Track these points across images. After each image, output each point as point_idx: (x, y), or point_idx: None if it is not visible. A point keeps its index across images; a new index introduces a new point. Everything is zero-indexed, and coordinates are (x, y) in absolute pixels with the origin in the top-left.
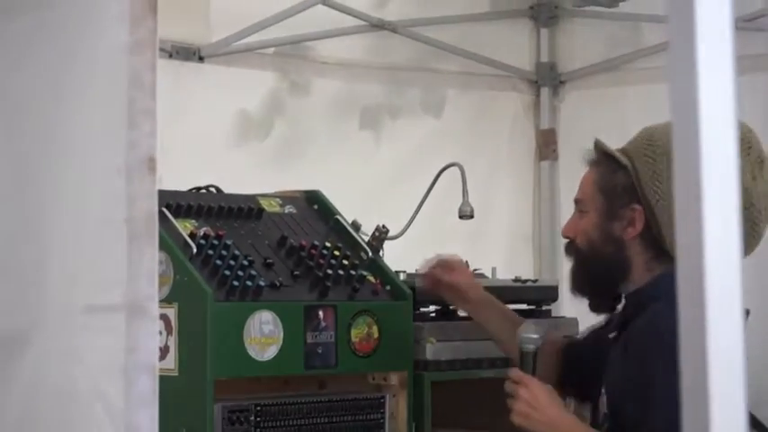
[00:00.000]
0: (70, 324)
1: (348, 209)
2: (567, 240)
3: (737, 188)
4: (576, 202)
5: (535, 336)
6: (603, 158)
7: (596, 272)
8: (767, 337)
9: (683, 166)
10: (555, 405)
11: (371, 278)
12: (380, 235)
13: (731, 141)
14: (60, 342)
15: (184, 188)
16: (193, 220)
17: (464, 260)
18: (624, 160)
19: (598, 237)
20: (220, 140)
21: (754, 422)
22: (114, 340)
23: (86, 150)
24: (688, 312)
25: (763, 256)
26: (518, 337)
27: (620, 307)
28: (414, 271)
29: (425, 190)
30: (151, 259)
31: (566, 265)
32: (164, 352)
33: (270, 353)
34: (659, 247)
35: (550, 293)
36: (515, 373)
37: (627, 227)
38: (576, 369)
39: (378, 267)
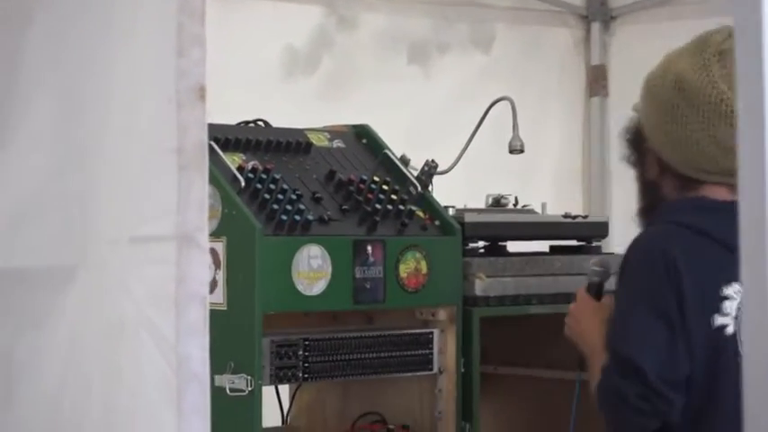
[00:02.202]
0: (119, 255)
1: (397, 144)
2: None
3: None
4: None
5: (601, 269)
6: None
7: (648, 221)
8: None
9: (747, 99)
10: (593, 320)
11: (420, 213)
12: (429, 170)
13: None
14: (109, 274)
15: (232, 123)
16: (242, 154)
17: (514, 196)
18: (635, 109)
19: (642, 188)
20: (268, 75)
21: None
22: (164, 271)
23: (136, 78)
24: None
25: None
26: (587, 268)
27: None
28: (463, 206)
29: (474, 125)
30: (201, 189)
31: (615, 201)
32: (212, 286)
33: (318, 287)
34: (680, 175)
35: (600, 229)
36: (578, 292)
37: (651, 166)
38: None
39: (427, 202)
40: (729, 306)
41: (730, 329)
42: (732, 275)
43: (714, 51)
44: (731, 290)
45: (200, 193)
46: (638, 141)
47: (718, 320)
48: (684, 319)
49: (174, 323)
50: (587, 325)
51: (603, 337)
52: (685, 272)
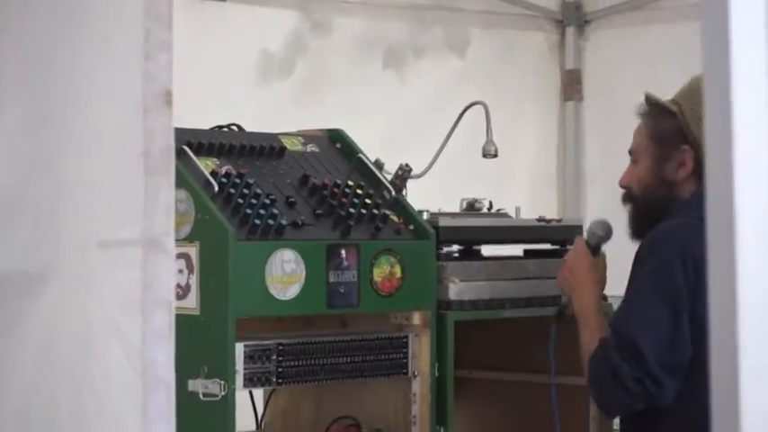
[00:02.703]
0: (87, 260)
1: (371, 148)
2: (624, 191)
3: None
4: (630, 153)
5: (601, 233)
6: (654, 109)
7: (651, 213)
8: None
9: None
10: (588, 278)
11: (394, 217)
12: (403, 174)
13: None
14: (77, 278)
15: (206, 127)
16: (215, 159)
17: (488, 200)
18: (672, 107)
19: (652, 180)
20: (242, 80)
21: None
22: (131, 275)
23: (104, 83)
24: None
25: None
26: (587, 228)
27: None
28: (437, 210)
29: (449, 129)
30: (168, 193)
31: (590, 204)
32: (185, 291)
33: (292, 292)
34: None
35: (574, 233)
36: (576, 240)
37: (678, 168)
38: None
39: (401, 206)
40: None
41: None
42: None
43: None
44: None
45: (167, 198)
46: (674, 141)
47: None
48: (696, 311)
49: (140, 328)
50: (582, 282)
51: (596, 299)
52: (703, 265)
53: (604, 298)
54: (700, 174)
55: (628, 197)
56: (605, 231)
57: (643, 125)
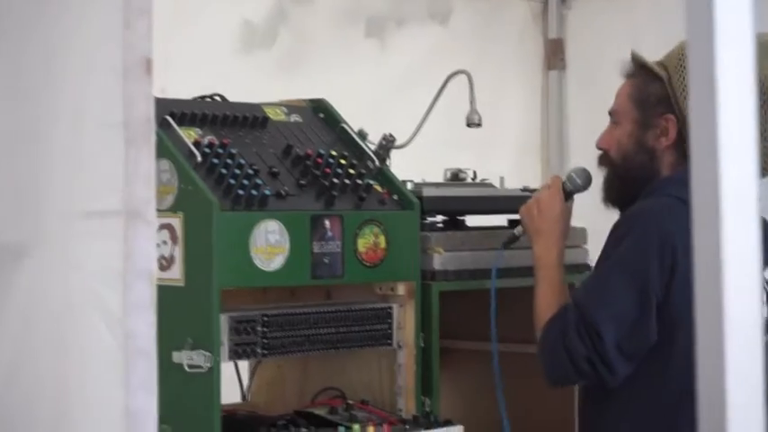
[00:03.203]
0: (67, 231)
1: (354, 118)
2: (600, 152)
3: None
4: (611, 113)
5: (580, 182)
6: (639, 70)
7: (628, 180)
8: None
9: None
10: (555, 225)
11: (378, 187)
12: (387, 144)
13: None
14: (58, 250)
15: (189, 97)
16: (198, 129)
17: (472, 170)
18: (660, 71)
19: (632, 146)
20: (225, 50)
21: None
22: (112, 246)
23: (82, 52)
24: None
25: None
26: (567, 173)
27: None
28: (421, 180)
29: (432, 98)
30: (148, 163)
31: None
32: (169, 262)
33: (276, 263)
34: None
35: None
36: (553, 178)
37: (660, 136)
38: None
39: (384, 176)
40: None
41: None
42: None
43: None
44: None
45: (148, 168)
46: (659, 107)
47: None
48: (670, 296)
49: (121, 299)
50: (551, 227)
51: (562, 252)
52: (682, 251)
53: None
54: (681, 145)
55: (605, 160)
56: (584, 181)
57: (627, 86)
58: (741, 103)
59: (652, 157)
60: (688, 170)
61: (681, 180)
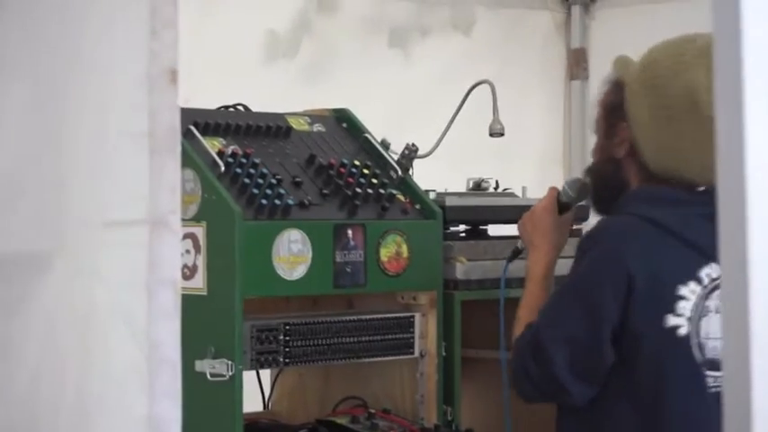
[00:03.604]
0: (92, 240)
1: (378, 128)
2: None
3: None
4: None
5: (572, 193)
6: (613, 77)
7: (601, 190)
8: None
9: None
10: (547, 236)
11: (401, 197)
12: (410, 153)
13: None
14: (82, 260)
15: (213, 107)
16: (221, 139)
17: (494, 179)
18: (622, 78)
19: (600, 156)
20: (249, 60)
21: None
22: (136, 255)
23: (109, 62)
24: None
25: None
26: (566, 182)
27: None
28: (444, 190)
29: (455, 108)
30: (173, 173)
31: None
32: (192, 271)
33: (299, 272)
34: (648, 170)
35: (580, 212)
36: (549, 190)
37: (619, 144)
38: None
39: (407, 186)
40: (684, 307)
41: (683, 330)
42: (689, 274)
43: None
44: (687, 289)
45: (173, 177)
46: (615, 117)
47: (671, 321)
48: (628, 317)
49: (145, 307)
50: (540, 240)
51: (548, 265)
52: (639, 271)
53: None
54: (638, 155)
55: (588, 170)
56: (578, 192)
57: (600, 95)
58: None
59: (617, 166)
60: (649, 186)
61: (643, 196)
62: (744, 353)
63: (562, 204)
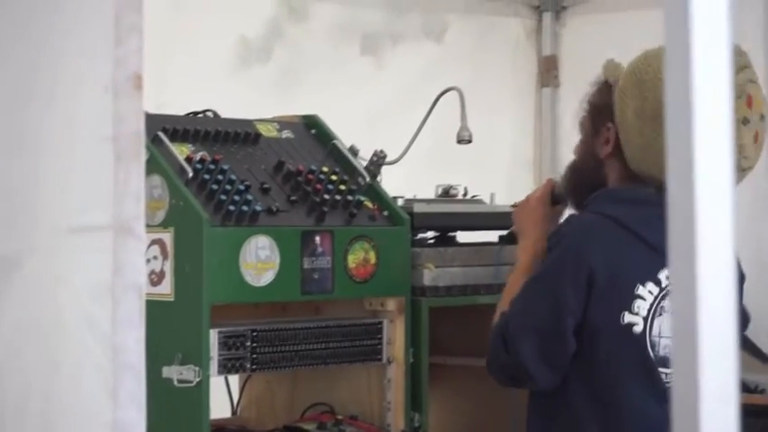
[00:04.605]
0: (58, 245)
1: (350, 135)
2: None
3: (731, 113)
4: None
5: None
6: (602, 79)
7: (580, 188)
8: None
9: (675, 90)
10: (537, 226)
11: (369, 203)
12: (378, 160)
13: (725, 63)
14: (48, 264)
15: (184, 113)
16: (190, 145)
17: (463, 186)
18: (613, 81)
19: (583, 154)
20: (221, 67)
21: (754, 349)
22: (101, 260)
23: (75, 68)
24: (677, 235)
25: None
26: (560, 177)
27: None
28: (412, 196)
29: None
30: (138, 179)
31: None
32: (159, 277)
33: (266, 278)
34: (631, 170)
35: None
36: (546, 181)
37: (604, 144)
38: None
39: (375, 192)
40: (640, 306)
41: (638, 329)
42: (648, 274)
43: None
44: (645, 290)
45: (137, 183)
46: (602, 117)
47: (627, 318)
48: (588, 312)
49: (110, 314)
50: (531, 230)
51: (532, 257)
52: (600, 268)
53: None
54: (621, 156)
55: (569, 167)
56: (563, 196)
57: (588, 95)
58: (718, 113)
59: (599, 165)
60: (621, 186)
61: (609, 196)
62: (692, 349)
63: (556, 196)
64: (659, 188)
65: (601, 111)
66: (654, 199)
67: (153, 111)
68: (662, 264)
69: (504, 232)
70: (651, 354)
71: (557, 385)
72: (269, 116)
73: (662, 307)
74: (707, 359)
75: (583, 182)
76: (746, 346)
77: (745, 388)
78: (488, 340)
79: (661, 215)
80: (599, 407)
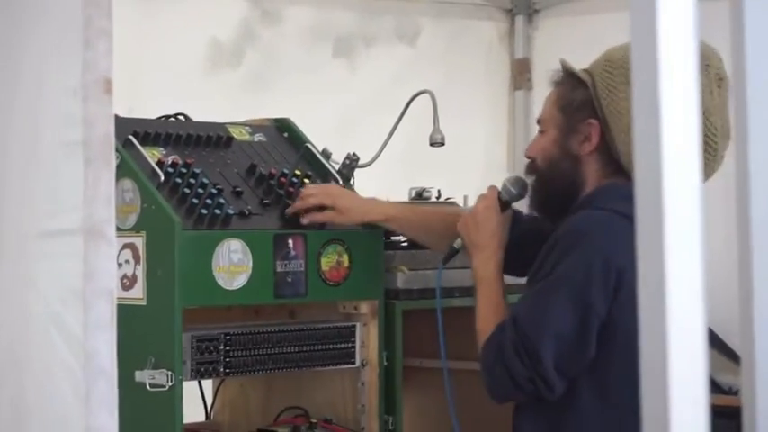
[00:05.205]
0: (27, 250)
1: (322, 138)
2: (528, 160)
3: (697, 106)
4: (538, 122)
5: (515, 191)
6: (566, 77)
7: (553, 188)
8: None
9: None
10: (495, 236)
11: None
12: (351, 163)
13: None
14: (17, 269)
15: (156, 117)
16: (161, 148)
17: (437, 189)
18: (584, 76)
19: (556, 152)
20: (192, 70)
21: (726, 350)
22: (72, 265)
23: (42, 72)
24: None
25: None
26: (503, 183)
27: None
28: (385, 199)
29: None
30: (108, 183)
31: None
32: (132, 281)
33: (239, 282)
34: (615, 162)
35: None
36: (489, 189)
37: (583, 141)
38: (515, 244)
39: None
40: None
41: None
42: None
43: (714, 76)
44: None
45: (108, 187)
46: (582, 112)
47: None
48: (614, 313)
49: (81, 318)
50: (488, 241)
51: (500, 266)
52: (628, 266)
53: None
54: (606, 150)
55: (531, 168)
56: (520, 190)
57: (553, 93)
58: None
59: (576, 163)
60: (622, 181)
61: (616, 192)
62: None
63: (503, 203)
64: None
65: (579, 107)
66: None
67: (123, 114)
68: None
69: (456, 243)
70: None
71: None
72: (241, 119)
73: None
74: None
75: (557, 181)
76: (720, 347)
77: (719, 389)
78: (484, 360)
79: None
80: (613, 412)
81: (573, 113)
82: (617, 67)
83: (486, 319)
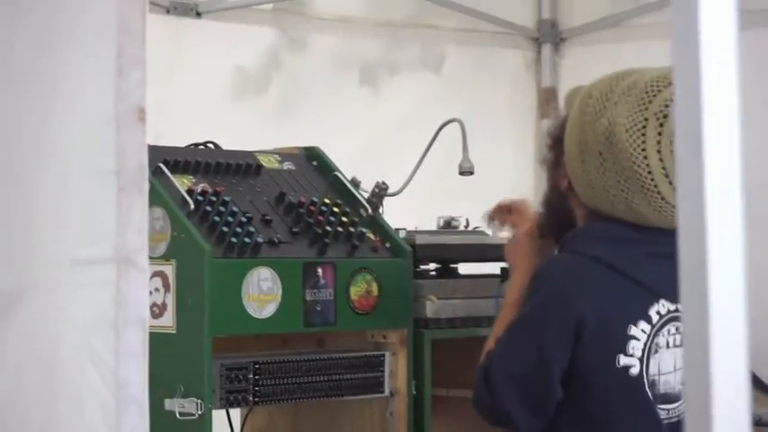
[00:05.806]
0: (59, 279)
1: (348, 166)
2: None
3: (739, 146)
4: None
5: None
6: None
7: (551, 220)
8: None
9: (685, 121)
10: (525, 260)
11: (371, 235)
12: (380, 191)
13: (733, 96)
14: (49, 298)
15: (182, 145)
16: (191, 176)
17: (465, 218)
18: (565, 110)
19: (549, 186)
20: (218, 97)
21: (755, 381)
22: (104, 294)
23: (75, 100)
24: (689, 272)
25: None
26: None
27: None
28: (414, 228)
29: (425, 146)
30: (141, 211)
31: None
32: (161, 309)
33: (268, 310)
34: (584, 204)
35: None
36: (536, 213)
37: (562, 177)
38: None
39: (377, 224)
40: (635, 346)
41: (635, 370)
42: (639, 313)
43: (657, 111)
44: (638, 329)
45: (140, 215)
46: (558, 150)
47: (623, 361)
48: (578, 359)
49: (113, 347)
50: (516, 263)
51: (519, 290)
52: (588, 313)
53: None
54: (577, 197)
55: (541, 203)
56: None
57: (550, 126)
58: (726, 145)
59: (562, 198)
60: (597, 223)
61: (590, 234)
62: (705, 384)
63: (543, 229)
64: (633, 226)
65: (557, 143)
66: (637, 237)
67: (151, 141)
68: (652, 300)
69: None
70: (650, 393)
71: (543, 429)
72: (267, 146)
73: (656, 344)
74: (719, 394)
75: (555, 217)
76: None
77: None
78: (474, 380)
79: (647, 253)
80: None
81: (554, 147)
82: (578, 106)
83: (488, 344)
